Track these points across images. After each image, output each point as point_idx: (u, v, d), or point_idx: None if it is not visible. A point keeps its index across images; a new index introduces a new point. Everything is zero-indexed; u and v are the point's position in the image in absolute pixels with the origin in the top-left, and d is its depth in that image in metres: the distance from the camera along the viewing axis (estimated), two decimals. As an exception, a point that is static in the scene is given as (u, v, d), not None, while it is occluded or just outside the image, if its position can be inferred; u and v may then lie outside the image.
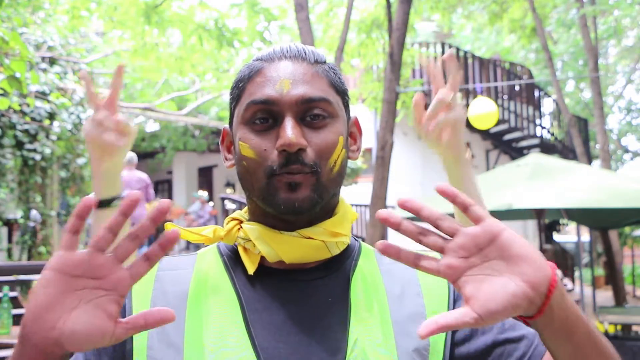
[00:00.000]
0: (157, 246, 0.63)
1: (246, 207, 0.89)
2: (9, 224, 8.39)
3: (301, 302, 0.81)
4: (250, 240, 0.83)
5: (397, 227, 0.64)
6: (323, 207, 0.83)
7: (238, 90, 0.86)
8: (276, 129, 0.80)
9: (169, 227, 0.85)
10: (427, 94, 11.43)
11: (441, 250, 0.65)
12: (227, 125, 0.90)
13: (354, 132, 0.91)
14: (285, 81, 0.81)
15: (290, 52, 0.84)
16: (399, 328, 0.80)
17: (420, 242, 0.65)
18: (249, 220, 0.86)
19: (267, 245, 0.82)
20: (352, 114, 0.91)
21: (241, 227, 0.85)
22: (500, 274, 0.63)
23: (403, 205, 0.64)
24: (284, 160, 0.79)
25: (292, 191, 0.79)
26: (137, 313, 0.65)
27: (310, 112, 0.81)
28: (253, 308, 0.80)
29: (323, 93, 0.82)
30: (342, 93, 0.87)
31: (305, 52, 0.85)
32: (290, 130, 0.78)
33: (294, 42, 0.83)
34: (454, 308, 0.85)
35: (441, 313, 0.64)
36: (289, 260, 0.82)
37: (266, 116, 0.81)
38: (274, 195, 0.79)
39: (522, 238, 0.65)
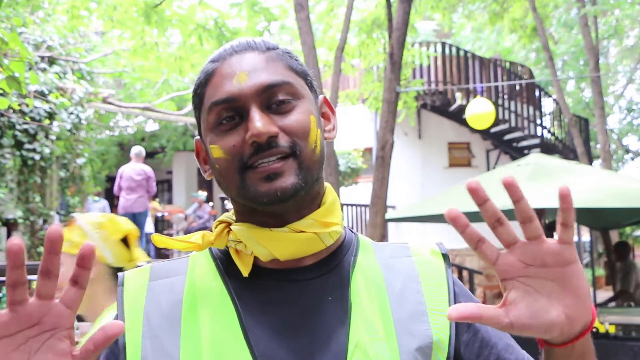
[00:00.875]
0: (77, 267, 0.62)
1: (233, 209, 0.86)
2: (8, 224, 8.38)
3: (299, 303, 0.78)
4: (242, 242, 0.79)
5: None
6: (308, 192, 0.79)
7: (198, 97, 0.83)
8: (244, 124, 0.77)
9: (154, 238, 0.84)
10: (427, 94, 11.44)
11: (492, 263, 0.66)
12: (198, 137, 0.87)
13: (326, 112, 0.88)
14: (241, 74, 0.78)
15: (240, 46, 0.82)
16: (401, 326, 0.78)
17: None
18: (237, 221, 0.83)
19: (258, 244, 0.78)
20: (320, 95, 0.88)
21: (230, 230, 0.82)
22: (548, 296, 0.65)
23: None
24: (254, 150, 0.76)
25: (271, 181, 0.76)
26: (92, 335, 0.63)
27: (274, 99, 0.78)
28: (249, 312, 0.77)
29: (282, 76, 0.79)
30: (303, 74, 0.84)
31: (254, 42, 0.83)
32: (257, 120, 0.75)
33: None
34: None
35: (473, 304, 0.65)
36: (283, 257, 0.79)
37: (231, 114, 0.78)
38: (252, 190, 0.76)
39: (584, 276, 0.67)
